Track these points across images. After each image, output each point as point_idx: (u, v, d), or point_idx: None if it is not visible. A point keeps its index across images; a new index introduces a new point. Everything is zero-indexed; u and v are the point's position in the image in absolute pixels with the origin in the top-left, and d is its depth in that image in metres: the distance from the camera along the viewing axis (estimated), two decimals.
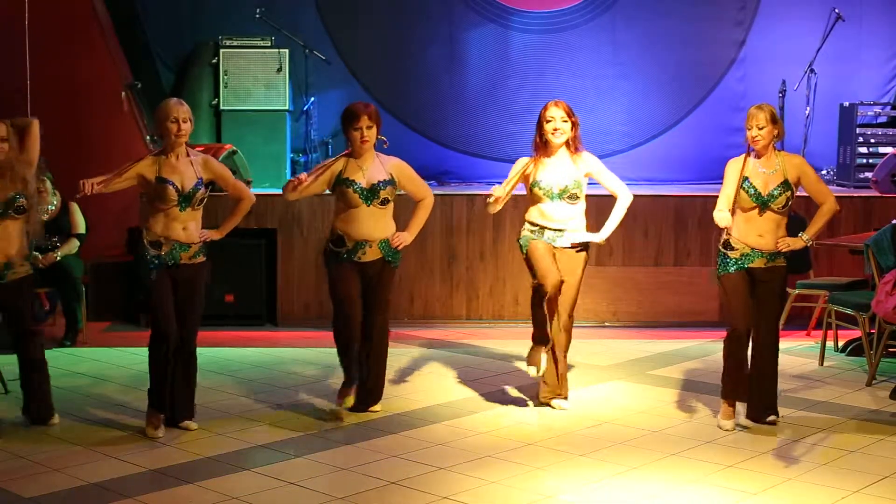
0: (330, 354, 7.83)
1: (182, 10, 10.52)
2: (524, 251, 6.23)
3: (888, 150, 9.83)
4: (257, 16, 9.99)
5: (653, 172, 10.41)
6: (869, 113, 10.36)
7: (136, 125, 9.53)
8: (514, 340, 8.21)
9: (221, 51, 9.86)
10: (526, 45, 10.86)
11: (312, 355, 7.83)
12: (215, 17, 10.37)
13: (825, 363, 7.56)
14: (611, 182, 6.26)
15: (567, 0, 10.87)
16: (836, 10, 10.29)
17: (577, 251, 6.23)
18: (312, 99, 10.22)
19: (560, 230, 6.16)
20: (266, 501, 4.89)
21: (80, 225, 8.19)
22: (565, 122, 6.11)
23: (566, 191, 6.13)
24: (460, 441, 5.74)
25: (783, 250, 5.85)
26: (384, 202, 6.04)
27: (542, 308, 6.15)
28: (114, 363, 7.63)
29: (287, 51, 9.92)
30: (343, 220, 6.04)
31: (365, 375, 6.17)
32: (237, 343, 8.17)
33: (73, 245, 8.11)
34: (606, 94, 10.69)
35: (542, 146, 6.19)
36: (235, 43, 9.93)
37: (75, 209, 8.15)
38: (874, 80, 10.99)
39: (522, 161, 6.25)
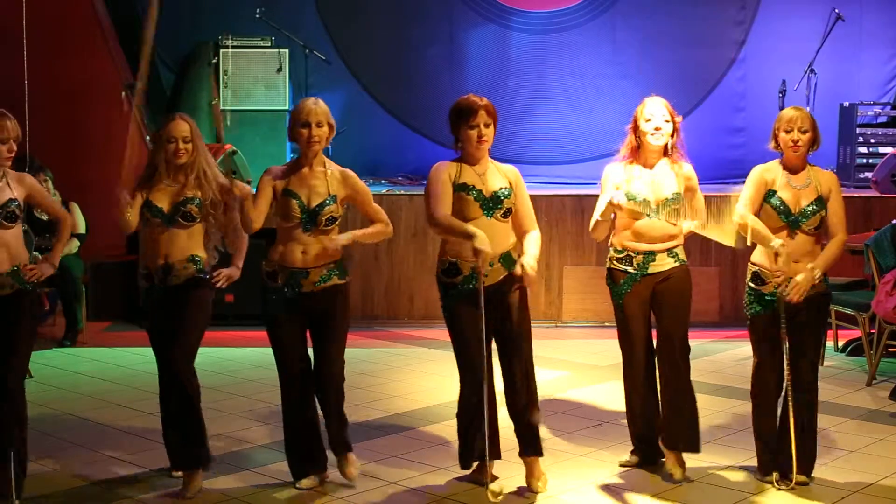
0: None
1: (182, 10, 10.53)
2: (618, 306, 5.27)
3: (888, 150, 9.84)
4: (257, 16, 10.00)
5: None
6: (869, 113, 10.38)
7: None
8: None
9: (221, 51, 9.88)
10: (526, 45, 10.87)
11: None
12: (215, 17, 10.39)
13: (825, 363, 7.55)
14: (698, 205, 5.22)
15: (567, 0, 10.88)
16: (836, 10, 10.30)
17: (679, 266, 5.19)
18: None
19: (652, 253, 5.12)
20: (266, 501, 4.89)
21: (80, 225, 8.20)
22: (667, 121, 5.12)
23: (667, 204, 5.09)
24: None
25: (792, 299, 4.91)
26: (507, 213, 4.97)
27: (635, 393, 5.25)
28: (114, 363, 7.63)
29: (287, 51, 9.93)
30: (456, 240, 4.92)
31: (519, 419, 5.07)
32: (237, 343, 8.17)
33: (73, 245, 8.11)
34: (606, 94, 10.70)
35: (635, 150, 5.19)
36: (235, 43, 9.93)
37: (75, 209, 8.16)
38: (874, 80, 11.01)
39: (614, 168, 5.19)
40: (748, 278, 5.13)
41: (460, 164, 4.97)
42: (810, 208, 4.99)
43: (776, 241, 4.92)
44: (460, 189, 4.91)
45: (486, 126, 4.91)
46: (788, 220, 4.99)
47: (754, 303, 5.09)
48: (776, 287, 4.98)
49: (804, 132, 4.97)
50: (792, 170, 5.05)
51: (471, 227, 4.80)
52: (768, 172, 5.07)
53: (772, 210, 5.01)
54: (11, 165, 4.95)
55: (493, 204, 4.92)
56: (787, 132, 4.99)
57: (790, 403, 4.99)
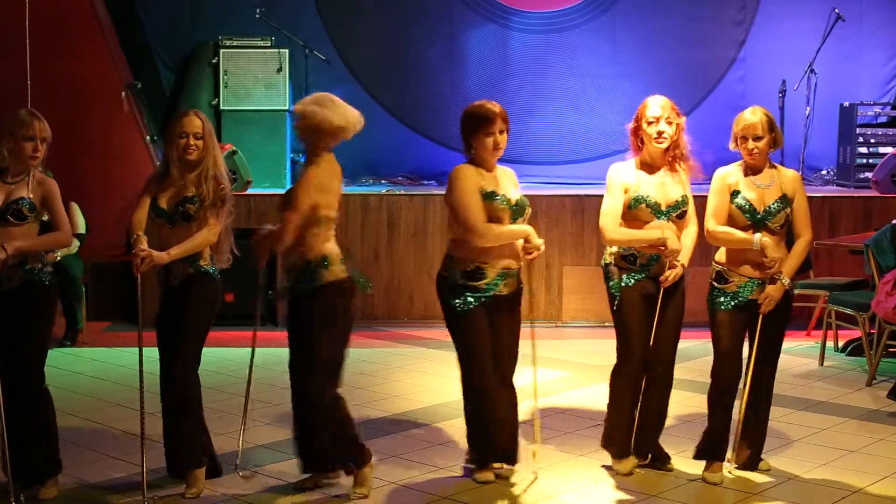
0: None
1: (182, 10, 10.54)
2: (615, 303, 5.22)
3: (888, 150, 9.84)
4: (257, 16, 10.01)
5: None
6: (869, 113, 10.38)
7: (136, 125, 9.54)
8: None
9: (221, 51, 9.88)
10: (526, 45, 10.87)
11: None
12: (215, 17, 10.39)
13: (825, 363, 7.57)
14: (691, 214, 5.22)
15: (567, 0, 10.88)
16: (836, 10, 10.31)
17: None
18: None
19: (657, 257, 5.11)
20: (266, 501, 4.89)
21: (80, 225, 8.20)
22: (670, 123, 5.03)
23: (677, 207, 5.10)
24: (460, 441, 5.73)
25: (765, 311, 5.00)
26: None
27: (623, 399, 5.29)
28: (113, 363, 7.63)
29: (287, 51, 9.94)
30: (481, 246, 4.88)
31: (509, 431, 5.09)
32: (237, 343, 8.16)
33: (73, 245, 8.11)
34: (606, 94, 10.69)
35: (638, 151, 5.12)
36: (235, 43, 9.94)
37: (75, 209, 8.15)
38: (874, 80, 11.01)
39: (620, 169, 5.13)
40: (711, 277, 5.16)
41: (479, 171, 4.95)
42: (775, 206, 4.98)
43: (756, 236, 4.97)
44: (488, 197, 4.89)
45: (501, 133, 4.94)
46: (754, 219, 4.99)
47: (715, 301, 5.10)
48: (739, 286, 5.03)
49: (758, 139, 4.96)
50: (755, 172, 5.05)
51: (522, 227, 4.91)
52: (729, 175, 5.08)
53: (736, 209, 5.01)
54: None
55: (520, 211, 4.97)
56: (744, 139, 4.99)
57: (745, 398, 5.16)
